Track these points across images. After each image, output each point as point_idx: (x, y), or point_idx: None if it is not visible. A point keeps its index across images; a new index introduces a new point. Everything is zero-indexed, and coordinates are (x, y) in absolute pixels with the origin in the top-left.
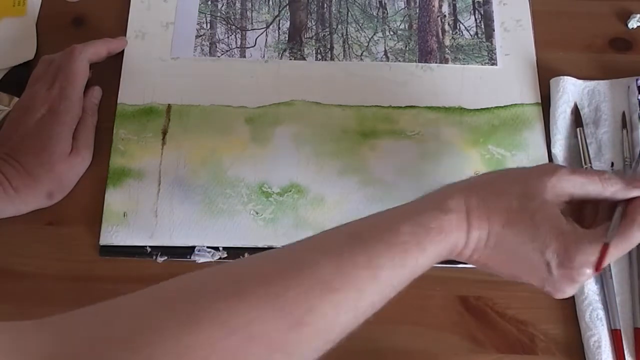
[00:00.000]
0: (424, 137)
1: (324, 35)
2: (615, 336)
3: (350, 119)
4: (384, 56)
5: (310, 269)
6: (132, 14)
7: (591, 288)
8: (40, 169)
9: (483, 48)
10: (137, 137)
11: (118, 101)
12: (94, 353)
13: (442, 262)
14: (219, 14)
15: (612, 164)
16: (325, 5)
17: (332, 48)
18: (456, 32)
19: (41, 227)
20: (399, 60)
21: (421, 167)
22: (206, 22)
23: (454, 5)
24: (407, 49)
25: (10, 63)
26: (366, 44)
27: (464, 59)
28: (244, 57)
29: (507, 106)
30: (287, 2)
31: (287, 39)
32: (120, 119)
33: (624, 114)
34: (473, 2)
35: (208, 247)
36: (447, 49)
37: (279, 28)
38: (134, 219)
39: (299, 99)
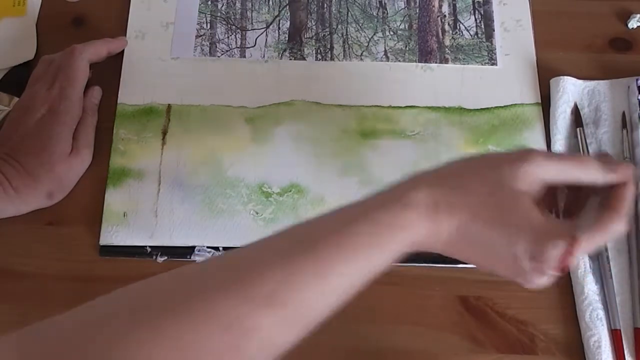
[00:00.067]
0: (424, 137)
1: (324, 35)
2: (615, 336)
3: (350, 119)
4: (384, 56)
5: (252, 283)
6: (132, 14)
7: (591, 288)
8: (40, 169)
9: (483, 48)
10: (137, 137)
11: (118, 101)
12: None
13: (442, 262)
14: (219, 14)
15: None
16: (325, 5)
17: (332, 48)
18: (456, 32)
19: (41, 227)
20: (399, 60)
21: (421, 167)
22: (206, 22)
23: (454, 5)
24: (407, 49)
25: (10, 63)
26: (366, 44)
27: (464, 59)
28: (244, 57)
29: (507, 106)
30: (287, 2)
31: (287, 39)
32: (120, 119)
33: (624, 114)
34: (473, 2)
35: (208, 247)
36: (447, 49)
37: (279, 28)
38: (134, 219)
39: (299, 99)
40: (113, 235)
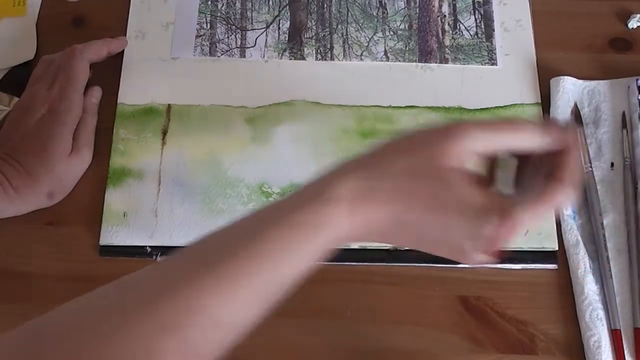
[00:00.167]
0: None
1: (324, 35)
2: (615, 336)
3: (350, 119)
4: (384, 56)
5: (147, 309)
6: (132, 14)
7: (591, 288)
8: (40, 169)
9: (483, 48)
10: (137, 137)
11: (118, 101)
12: None
13: (442, 262)
14: (219, 14)
15: (612, 164)
16: (325, 5)
17: (332, 48)
18: (456, 32)
19: (41, 227)
20: (399, 60)
21: None
22: (206, 22)
23: (454, 5)
24: (407, 49)
25: (10, 63)
26: (366, 44)
27: (464, 59)
28: (244, 57)
29: (507, 106)
30: (287, 2)
31: (287, 39)
32: (120, 119)
33: (624, 114)
34: (473, 2)
35: None
36: (447, 49)
37: (279, 28)
38: (134, 219)
39: (299, 99)
40: (113, 235)
